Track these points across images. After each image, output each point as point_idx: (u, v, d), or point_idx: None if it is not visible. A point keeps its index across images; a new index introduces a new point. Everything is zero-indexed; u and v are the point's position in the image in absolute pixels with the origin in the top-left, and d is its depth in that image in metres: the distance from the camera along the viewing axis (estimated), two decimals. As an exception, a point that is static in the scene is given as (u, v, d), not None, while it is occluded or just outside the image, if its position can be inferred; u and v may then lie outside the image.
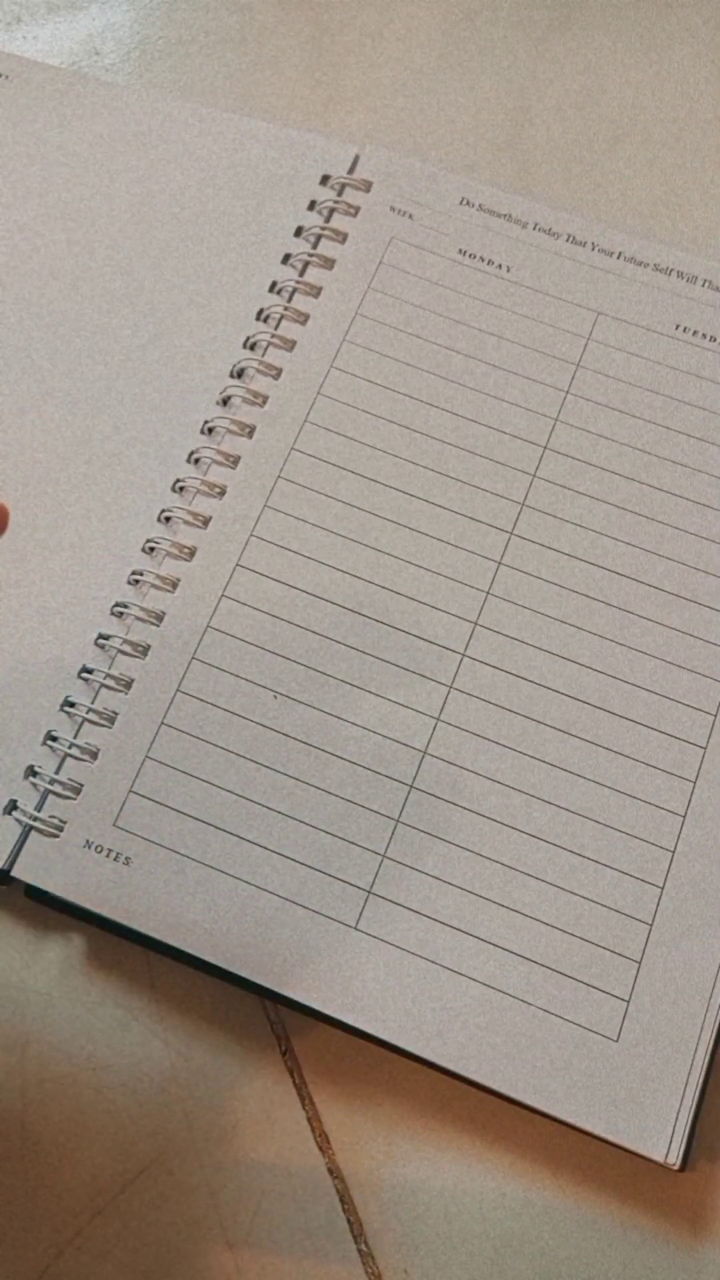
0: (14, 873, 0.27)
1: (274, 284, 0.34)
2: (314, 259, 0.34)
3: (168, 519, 0.31)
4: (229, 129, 0.36)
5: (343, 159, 0.35)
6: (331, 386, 0.32)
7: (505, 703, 0.29)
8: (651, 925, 0.27)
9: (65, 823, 0.27)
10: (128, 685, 0.29)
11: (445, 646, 0.29)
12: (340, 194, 0.35)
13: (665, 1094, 0.25)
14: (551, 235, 0.35)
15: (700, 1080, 0.26)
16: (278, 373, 0.32)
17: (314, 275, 0.34)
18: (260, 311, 0.33)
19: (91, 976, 0.28)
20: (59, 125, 0.36)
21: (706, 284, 0.34)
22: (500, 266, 0.34)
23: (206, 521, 0.30)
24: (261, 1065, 0.27)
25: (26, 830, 0.27)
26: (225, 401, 0.32)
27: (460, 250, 0.34)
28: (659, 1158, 0.25)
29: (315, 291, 0.33)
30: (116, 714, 0.28)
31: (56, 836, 0.27)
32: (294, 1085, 0.27)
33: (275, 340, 0.33)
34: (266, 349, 0.33)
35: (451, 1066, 0.26)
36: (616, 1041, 0.26)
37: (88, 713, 0.28)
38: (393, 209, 0.35)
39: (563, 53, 0.40)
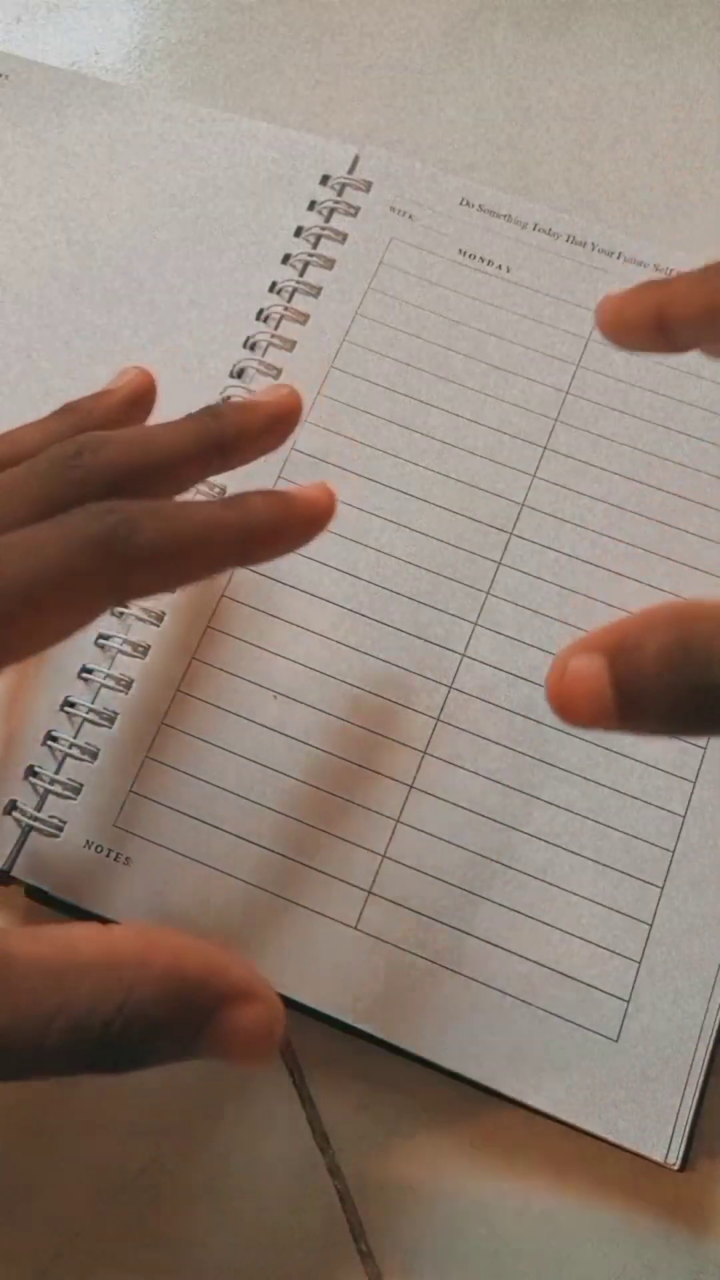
0: (14, 873, 0.27)
1: (274, 284, 0.34)
2: (314, 259, 0.34)
3: (168, 519, 0.31)
4: (229, 129, 0.36)
5: (342, 159, 0.35)
6: (331, 386, 0.32)
7: (505, 703, 0.29)
8: (651, 925, 0.27)
9: (65, 823, 0.27)
10: (128, 685, 0.29)
11: (445, 646, 0.29)
12: (340, 194, 0.35)
13: (665, 1094, 0.25)
14: (551, 235, 0.35)
15: (700, 1080, 0.26)
16: (278, 373, 0.32)
17: (314, 275, 0.34)
18: (260, 311, 0.33)
19: (91, 976, 0.28)
20: (59, 125, 0.36)
21: (706, 284, 0.34)
22: (500, 267, 0.34)
23: (206, 521, 0.30)
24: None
25: (26, 830, 0.27)
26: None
27: (460, 250, 0.34)
28: (659, 1158, 0.25)
29: (315, 291, 0.33)
30: (116, 714, 0.28)
31: (56, 836, 0.27)
32: (294, 1085, 0.27)
33: (275, 340, 0.33)
34: (266, 349, 0.33)
35: (451, 1066, 0.26)
36: (616, 1041, 0.26)
37: (88, 713, 0.28)
38: (393, 209, 0.35)
39: (563, 53, 0.40)
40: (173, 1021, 0.18)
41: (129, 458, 0.22)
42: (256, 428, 0.24)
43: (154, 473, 0.22)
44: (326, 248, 0.34)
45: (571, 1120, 0.25)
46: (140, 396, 0.26)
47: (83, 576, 0.20)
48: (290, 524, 0.23)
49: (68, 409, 0.25)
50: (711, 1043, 0.26)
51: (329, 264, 0.34)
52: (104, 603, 0.21)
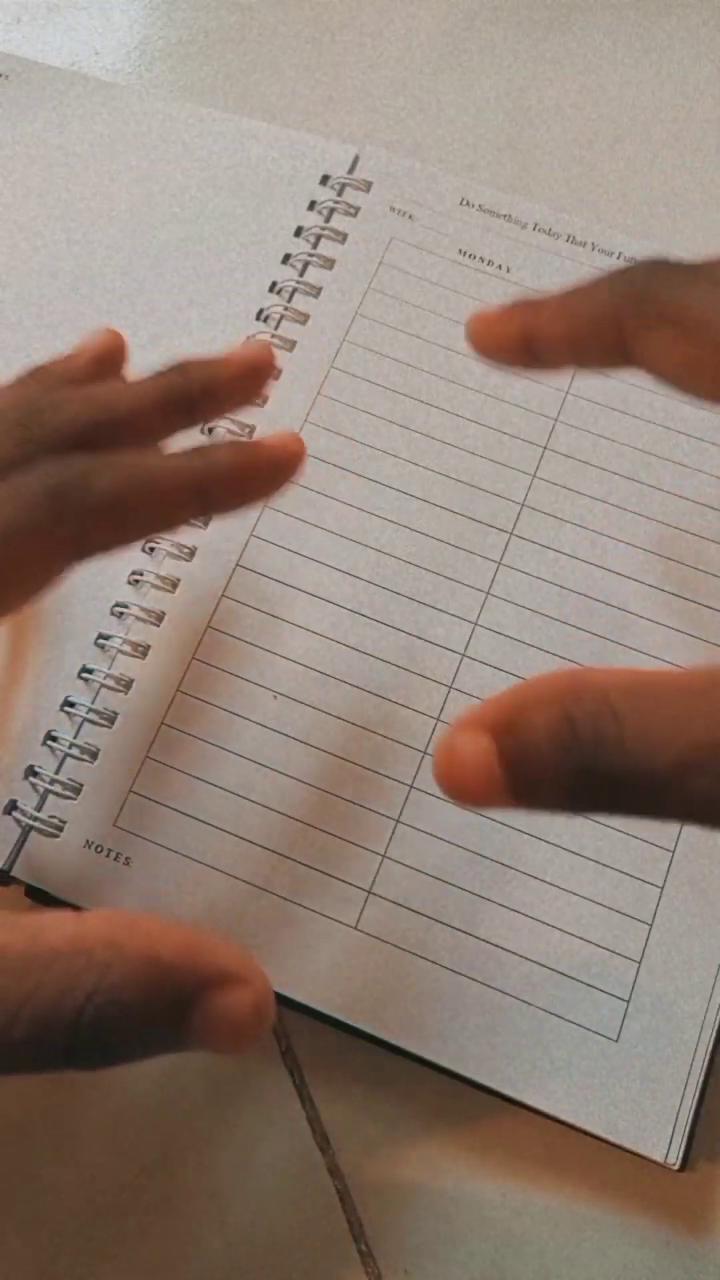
0: (14, 873, 0.27)
1: (274, 284, 0.34)
2: (314, 259, 0.34)
3: (168, 519, 0.31)
4: (229, 129, 0.36)
5: (342, 159, 0.35)
6: (331, 386, 0.32)
7: (505, 703, 0.29)
8: (651, 925, 0.27)
9: (65, 823, 0.27)
10: (128, 685, 0.29)
11: (445, 647, 0.29)
12: (340, 194, 0.35)
13: (665, 1094, 0.25)
14: (551, 235, 0.35)
15: (700, 1080, 0.26)
16: (278, 373, 0.32)
17: (314, 275, 0.34)
18: (260, 311, 0.33)
19: (91, 976, 0.28)
20: (59, 125, 0.36)
21: (706, 284, 0.34)
22: (500, 267, 0.34)
23: (207, 521, 0.30)
24: (261, 1065, 0.27)
25: (26, 830, 0.27)
26: (225, 401, 0.32)
27: (460, 250, 0.34)
28: (659, 1158, 0.25)
29: (315, 291, 0.33)
30: (116, 714, 0.28)
31: (56, 836, 0.27)
32: (294, 1085, 0.27)
33: (275, 340, 0.33)
34: (266, 349, 0.33)
35: (451, 1066, 0.26)
36: (616, 1041, 0.26)
37: (88, 713, 0.28)
38: (392, 209, 0.35)
39: (562, 53, 0.40)
40: (150, 1009, 0.17)
41: (88, 414, 0.22)
42: (223, 382, 0.24)
43: (115, 429, 0.22)
44: (326, 248, 0.34)
45: (571, 1120, 0.25)
46: (108, 355, 0.25)
47: (39, 530, 0.20)
48: (256, 468, 0.23)
49: (35, 371, 0.24)
50: (711, 1043, 0.26)
51: (329, 264, 0.34)
52: (65, 558, 0.21)
